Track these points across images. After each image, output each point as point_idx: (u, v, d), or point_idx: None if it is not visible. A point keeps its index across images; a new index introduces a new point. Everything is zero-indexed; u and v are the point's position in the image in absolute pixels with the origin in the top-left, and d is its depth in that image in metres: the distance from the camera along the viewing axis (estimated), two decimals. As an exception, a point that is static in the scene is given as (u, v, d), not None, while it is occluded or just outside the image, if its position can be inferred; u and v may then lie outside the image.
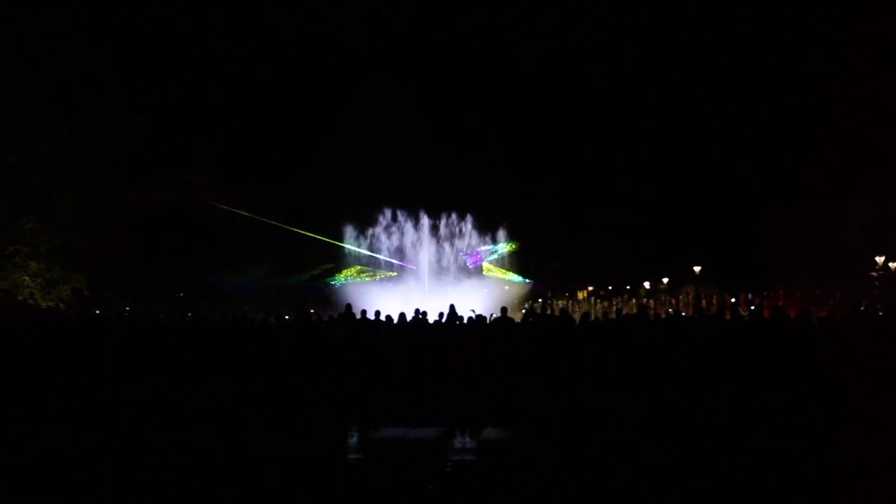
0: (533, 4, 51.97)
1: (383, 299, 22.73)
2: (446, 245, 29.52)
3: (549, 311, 20.38)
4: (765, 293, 38.97)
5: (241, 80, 72.01)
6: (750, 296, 39.01)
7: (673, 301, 41.54)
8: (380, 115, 41.73)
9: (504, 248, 39.47)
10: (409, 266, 29.14)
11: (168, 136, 46.42)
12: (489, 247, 33.47)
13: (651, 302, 39.90)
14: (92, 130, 31.73)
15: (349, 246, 40.15)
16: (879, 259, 40.80)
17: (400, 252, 31.83)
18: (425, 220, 29.13)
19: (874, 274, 40.43)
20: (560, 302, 44.58)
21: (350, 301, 18.58)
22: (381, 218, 40.24)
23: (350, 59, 61.86)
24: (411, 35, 42.64)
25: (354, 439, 10.56)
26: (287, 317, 19.13)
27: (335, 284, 30.31)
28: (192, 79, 72.86)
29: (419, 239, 29.24)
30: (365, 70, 42.88)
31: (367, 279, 28.64)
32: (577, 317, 18.37)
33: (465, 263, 28.82)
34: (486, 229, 47.15)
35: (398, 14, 55.75)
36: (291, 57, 72.23)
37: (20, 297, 31.04)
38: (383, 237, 38.73)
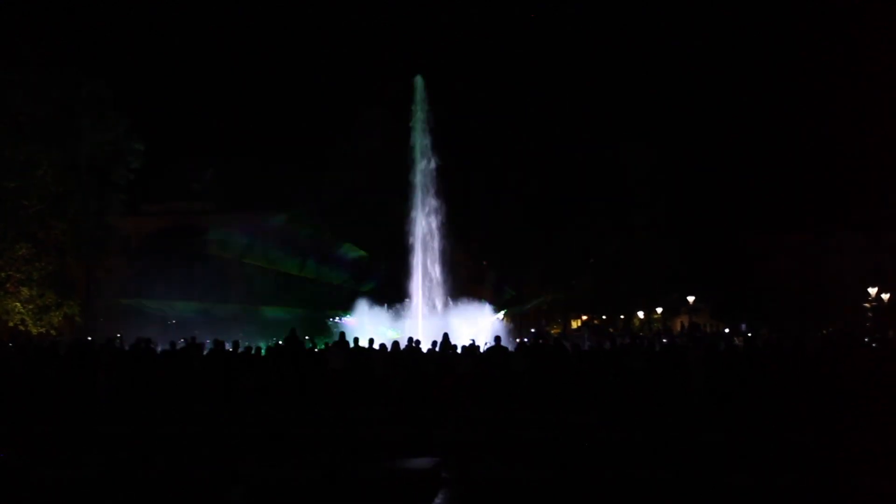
0: (517, 46, 53.16)
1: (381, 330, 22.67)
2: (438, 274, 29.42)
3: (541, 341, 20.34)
4: (758, 324, 39.02)
5: (239, 106, 72.71)
6: (744, 326, 39.07)
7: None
8: (376, 141, 42.05)
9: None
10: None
11: (166, 163, 46.61)
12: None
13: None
14: (90, 157, 31.83)
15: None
16: (872, 290, 41.00)
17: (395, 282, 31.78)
18: (419, 252, 29.11)
19: (867, 305, 40.60)
20: (555, 330, 44.54)
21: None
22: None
23: (346, 85, 62.57)
24: (405, 62, 43.22)
25: (348, 469, 10.46)
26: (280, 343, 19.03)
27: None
28: (190, 105, 73.53)
29: (412, 270, 29.20)
30: (361, 95, 43.30)
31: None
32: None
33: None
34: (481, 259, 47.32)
35: (391, 40, 56.68)
36: (290, 84, 73.08)
37: (10, 324, 30.82)
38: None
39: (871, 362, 15.33)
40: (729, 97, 66.99)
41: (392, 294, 31.22)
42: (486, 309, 29.51)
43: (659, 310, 50.92)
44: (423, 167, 29.65)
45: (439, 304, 28.79)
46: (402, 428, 13.26)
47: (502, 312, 35.49)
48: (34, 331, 30.49)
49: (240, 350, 17.56)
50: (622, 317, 50.91)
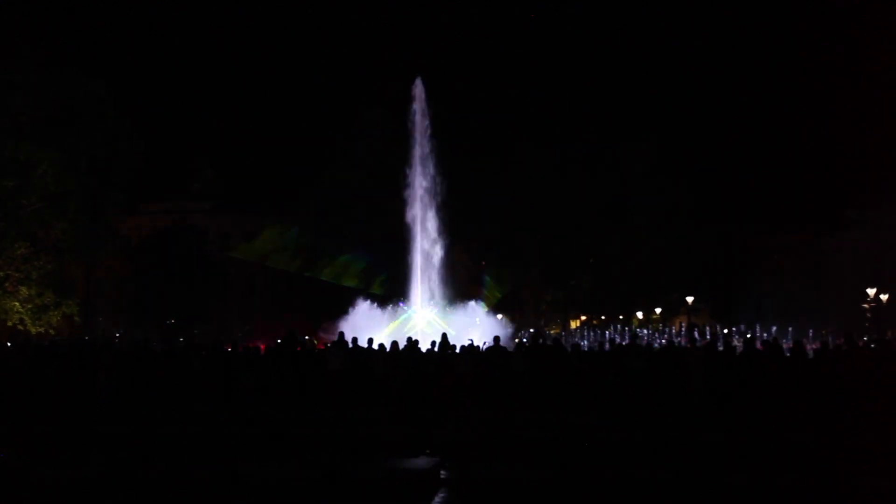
0: (517, 51, 53.38)
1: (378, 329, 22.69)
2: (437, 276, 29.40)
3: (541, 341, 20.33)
4: (758, 325, 39.04)
5: (238, 105, 72.75)
6: (743, 327, 39.06)
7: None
8: (374, 142, 42.08)
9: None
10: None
11: (165, 162, 46.68)
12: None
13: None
14: (90, 157, 31.85)
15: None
16: (871, 291, 40.98)
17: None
18: (418, 253, 29.11)
19: (866, 306, 40.57)
20: (554, 331, 44.50)
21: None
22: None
23: (346, 85, 62.63)
24: (405, 62, 43.34)
25: (348, 469, 10.46)
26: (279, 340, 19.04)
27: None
28: (189, 104, 73.57)
29: (411, 272, 29.21)
30: (361, 95, 43.43)
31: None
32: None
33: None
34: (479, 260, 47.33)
35: (391, 40, 56.81)
36: (290, 83, 73.16)
37: (9, 323, 30.80)
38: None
39: (870, 362, 15.32)
40: (729, 96, 67.20)
41: (393, 294, 31.27)
42: (485, 309, 29.53)
43: (658, 310, 50.88)
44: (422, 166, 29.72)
45: (438, 303, 28.79)
46: (402, 428, 13.25)
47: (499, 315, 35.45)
48: (33, 330, 30.47)
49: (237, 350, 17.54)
50: (621, 317, 50.84)
